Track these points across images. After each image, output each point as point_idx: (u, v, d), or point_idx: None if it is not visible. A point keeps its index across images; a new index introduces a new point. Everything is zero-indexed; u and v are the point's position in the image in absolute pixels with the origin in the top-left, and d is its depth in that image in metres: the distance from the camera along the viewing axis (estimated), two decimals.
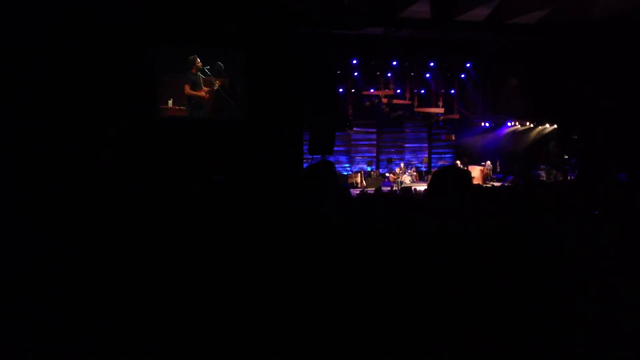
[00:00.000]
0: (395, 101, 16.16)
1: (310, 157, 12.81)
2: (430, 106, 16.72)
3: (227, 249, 3.23)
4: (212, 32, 10.47)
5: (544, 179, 14.74)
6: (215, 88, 10.96)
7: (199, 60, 10.81)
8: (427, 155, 17.69)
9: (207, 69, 10.88)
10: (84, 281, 2.82)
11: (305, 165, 12.41)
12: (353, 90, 15.69)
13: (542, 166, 15.56)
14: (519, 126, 16.50)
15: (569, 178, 14.27)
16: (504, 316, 2.39)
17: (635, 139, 11.52)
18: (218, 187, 7.89)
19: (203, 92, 10.89)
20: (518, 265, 2.77)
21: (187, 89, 10.80)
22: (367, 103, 16.01)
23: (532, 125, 16.12)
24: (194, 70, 10.81)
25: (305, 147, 12.56)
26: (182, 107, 10.81)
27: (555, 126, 15.45)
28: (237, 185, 8.64)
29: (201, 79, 10.87)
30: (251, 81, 11.06)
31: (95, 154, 8.99)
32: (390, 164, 16.87)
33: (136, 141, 9.59)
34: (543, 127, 15.82)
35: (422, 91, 16.53)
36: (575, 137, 14.59)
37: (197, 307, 2.56)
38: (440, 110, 16.68)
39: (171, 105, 10.73)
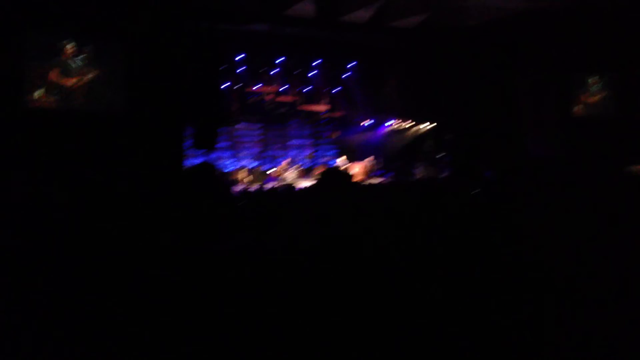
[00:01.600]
0: (280, 98, 16.21)
1: (193, 152, 12.47)
2: (315, 104, 16.95)
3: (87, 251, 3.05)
4: (89, 20, 9.84)
5: (421, 175, 15.49)
6: (86, 79, 10.28)
7: (72, 46, 10.10)
8: (311, 152, 17.93)
9: (81, 57, 10.20)
10: None
11: (186, 161, 12.08)
12: (238, 86, 15.50)
13: (418, 163, 16.30)
14: (398, 125, 17.18)
15: (442, 175, 15.08)
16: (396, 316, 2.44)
17: (502, 139, 12.46)
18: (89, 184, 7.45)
19: (72, 81, 10.15)
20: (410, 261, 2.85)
21: (54, 75, 10.02)
22: (252, 99, 15.91)
23: (409, 125, 16.85)
24: (64, 57, 10.07)
25: (188, 143, 12.20)
26: (52, 98, 10.04)
27: (431, 125, 16.27)
28: (110, 182, 8.20)
29: (74, 66, 10.16)
30: (130, 73, 10.52)
31: None
32: (274, 161, 16.88)
33: None
34: (419, 126, 16.59)
35: (307, 89, 16.70)
36: (449, 136, 15.47)
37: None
38: (325, 108, 16.97)
39: (41, 96, 9.93)
